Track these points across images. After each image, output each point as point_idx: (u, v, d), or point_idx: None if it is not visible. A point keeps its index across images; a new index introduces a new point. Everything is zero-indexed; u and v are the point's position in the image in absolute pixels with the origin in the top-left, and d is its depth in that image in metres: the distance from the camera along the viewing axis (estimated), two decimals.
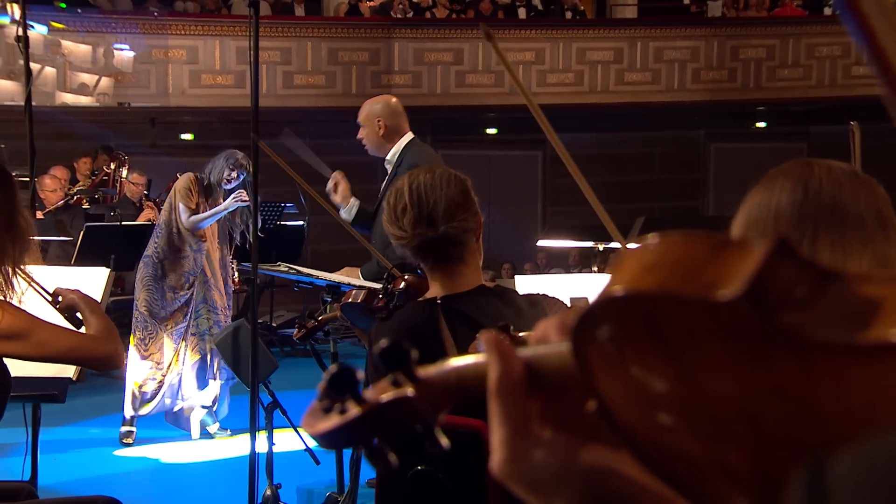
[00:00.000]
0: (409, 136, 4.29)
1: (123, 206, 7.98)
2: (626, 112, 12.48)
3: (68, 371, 2.87)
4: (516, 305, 2.17)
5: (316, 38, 11.69)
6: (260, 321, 7.04)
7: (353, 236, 3.32)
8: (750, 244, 0.48)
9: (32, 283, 2.32)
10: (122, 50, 11.05)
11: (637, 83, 12.62)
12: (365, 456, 0.70)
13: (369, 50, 11.86)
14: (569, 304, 2.54)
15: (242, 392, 3.89)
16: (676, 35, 12.76)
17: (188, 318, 5.41)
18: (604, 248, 4.94)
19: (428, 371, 0.67)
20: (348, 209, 4.21)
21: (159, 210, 6.28)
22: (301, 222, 9.00)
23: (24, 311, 2.22)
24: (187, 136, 11.58)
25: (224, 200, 5.38)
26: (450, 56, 12.07)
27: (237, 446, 5.33)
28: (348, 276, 3.83)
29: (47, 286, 2.39)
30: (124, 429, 5.50)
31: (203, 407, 5.54)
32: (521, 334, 1.01)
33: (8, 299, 2.19)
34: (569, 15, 13.09)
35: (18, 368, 2.39)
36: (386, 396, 0.67)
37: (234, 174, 5.37)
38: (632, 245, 0.55)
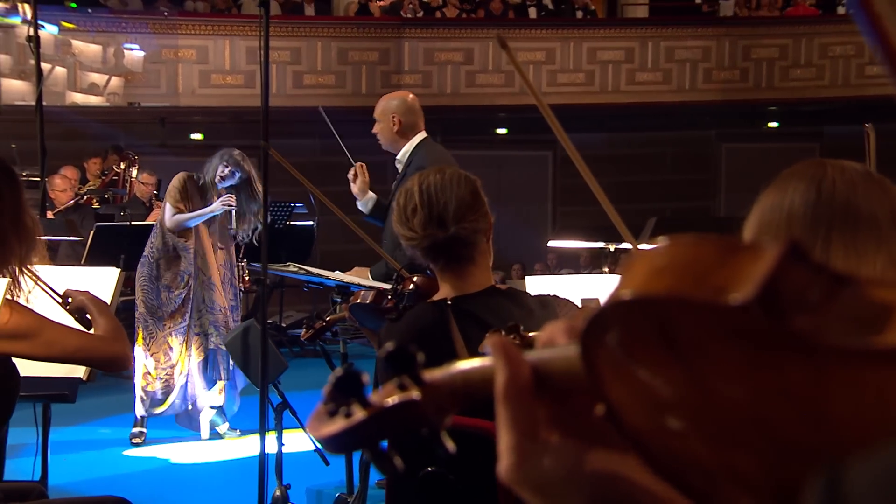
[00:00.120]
0: (422, 135, 4.26)
1: (133, 206, 8.00)
2: (636, 112, 12.44)
3: (79, 371, 2.87)
4: (527, 306, 2.16)
5: (326, 37, 11.70)
6: (269, 322, 7.04)
7: (362, 237, 3.31)
8: (761, 247, 0.47)
9: (40, 283, 2.32)
10: (132, 50, 11.08)
11: (648, 83, 12.58)
12: (370, 460, 0.70)
13: (379, 50, 11.86)
14: (579, 305, 2.52)
15: (252, 392, 3.88)
16: (688, 35, 12.71)
17: (187, 317, 5.40)
18: (615, 248, 4.91)
19: (434, 375, 0.67)
20: (365, 202, 4.23)
21: None
22: (311, 222, 9.01)
23: (32, 310, 2.22)
24: (197, 136, 11.61)
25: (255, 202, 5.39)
26: (460, 56, 12.06)
27: (247, 447, 5.33)
28: (358, 277, 3.82)
29: (57, 286, 2.39)
30: (135, 429, 5.51)
31: (212, 407, 5.54)
32: (530, 334, 0.99)
33: (15, 298, 2.19)
34: (579, 14, 13.06)
35: (29, 368, 2.39)
36: (391, 400, 0.67)
37: (226, 171, 5.34)
38: (642, 246, 0.53)
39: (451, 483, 1.92)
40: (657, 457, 0.52)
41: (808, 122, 12.95)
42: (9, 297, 2.18)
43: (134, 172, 8.49)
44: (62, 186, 7.58)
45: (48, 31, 9.84)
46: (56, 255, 6.62)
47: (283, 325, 9.01)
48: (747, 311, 0.45)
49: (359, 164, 4.28)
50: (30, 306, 2.24)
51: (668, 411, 0.50)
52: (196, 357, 5.42)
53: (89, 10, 10.99)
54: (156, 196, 8.19)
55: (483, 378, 0.63)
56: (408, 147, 4.22)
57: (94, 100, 11.05)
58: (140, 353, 5.31)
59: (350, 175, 4.24)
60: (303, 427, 3.81)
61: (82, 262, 5.84)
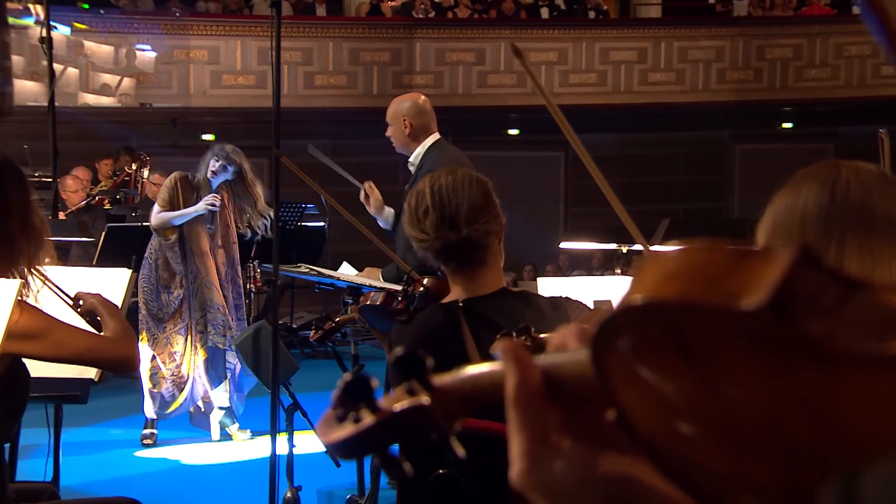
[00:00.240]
0: (435, 137, 4.22)
1: (145, 207, 8.00)
2: (649, 113, 12.40)
3: (90, 372, 2.87)
4: (539, 308, 2.15)
5: (337, 38, 11.70)
6: (280, 323, 7.04)
7: (370, 239, 3.30)
8: (773, 252, 0.47)
9: (48, 283, 2.32)
10: (143, 50, 11.11)
11: (661, 83, 12.54)
12: (380, 465, 0.69)
13: (391, 50, 11.85)
14: (592, 307, 2.50)
15: (263, 394, 3.88)
16: (701, 35, 12.65)
17: (186, 317, 5.39)
18: (627, 250, 4.88)
19: (443, 379, 0.66)
20: (385, 219, 4.21)
21: None
22: (322, 223, 9.01)
23: (42, 311, 2.22)
24: (208, 137, 11.61)
25: (257, 202, 5.39)
26: (472, 56, 12.04)
27: (258, 448, 5.33)
28: (369, 277, 3.81)
29: (69, 287, 2.40)
30: (146, 431, 5.52)
31: (221, 408, 5.54)
32: (542, 336, 0.98)
33: (24, 298, 2.19)
34: (592, 14, 13.02)
35: (41, 369, 2.40)
36: (400, 405, 0.66)
37: (217, 165, 5.33)
38: (654, 247, 0.52)
39: (463, 486, 1.91)
40: (669, 462, 0.52)
41: (823, 123, 12.87)
42: (19, 297, 2.18)
43: (145, 173, 8.51)
44: (74, 187, 7.60)
45: (60, 32, 9.88)
46: (68, 256, 6.64)
47: (294, 326, 9.01)
48: (759, 316, 0.44)
49: (367, 183, 4.24)
50: (39, 307, 2.24)
51: (680, 417, 0.50)
52: (201, 356, 5.42)
53: (101, 11, 11.02)
54: None
55: (493, 383, 0.63)
56: (420, 149, 4.19)
57: (105, 100, 11.08)
58: (146, 355, 5.30)
59: (362, 198, 4.22)
60: (314, 428, 3.80)
61: (94, 262, 5.86)
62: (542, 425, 0.59)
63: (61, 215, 6.37)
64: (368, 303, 2.94)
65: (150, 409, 5.45)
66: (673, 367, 0.49)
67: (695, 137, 12.97)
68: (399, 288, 2.88)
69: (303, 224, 8.77)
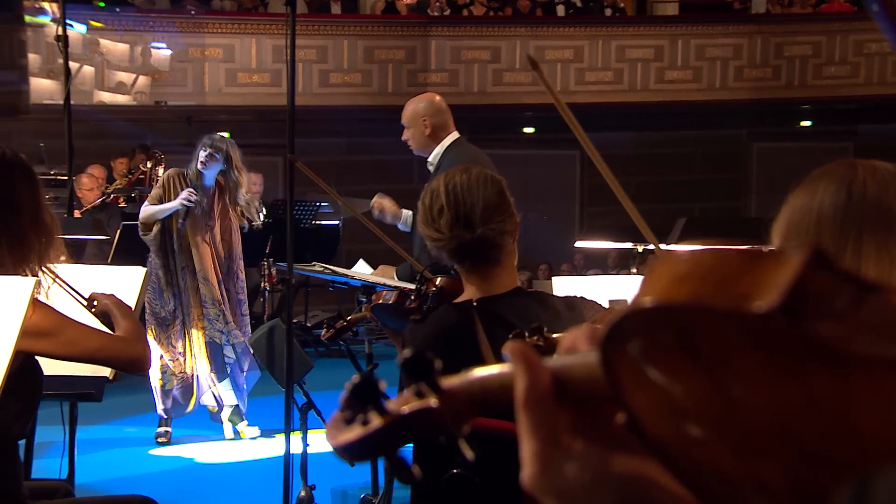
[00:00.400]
0: (454, 135, 4.17)
1: None
2: (666, 111, 12.33)
3: (105, 370, 2.87)
4: (553, 308, 2.13)
5: (352, 36, 11.70)
6: (295, 321, 7.03)
7: (383, 240, 3.29)
8: (785, 254, 0.47)
9: (62, 284, 2.32)
10: (159, 48, 11.15)
11: (678, 81, 12.47)
12: (388, 468, 0.69)
13: (406, 48, 11.84)
14: (607, 307, 2.48)
15: (277, 392, 3.87)
16: (719, 32, 12.57)
17: (179, 314, 5.38)
18: (643, 249, 4.85)
19: (452, 382, 0.66)
20: (403, 221, 4.18)
21: None
22: (336, 222, 9.01)
23: (54, 309, 2.23)
24: (223, 135, 11.65)
25: (238, 193, 5.36)
26: (487, 54, 12.01)
27: (272, 447, 5.33)
28: (383, 276, 3.80)
29: (83, 285, 2.41)
30: (160, 429, 5.53)
31: (229, 406, 5.54)
32: (554, 336, 0.97)
33: (35, 295, 2.19)
34: (608, 12, 12.96)
35: (56, 367, 2.41)
36: (409, 407, 0.66)
37: (204, 155, 5.32)
38: (669, 247, 0.51)
39: (476, 485, 1.90)
40: (679, 465, 0.52)
41: (842, 121, 12.76)
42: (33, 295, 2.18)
43: (160, 171, 8.52)
44: (89, 185, 7.63)
45: (76, 30, 9.92)
46: (83, 254, 6.66)
47: (309, 324, 9.01)
48: (771, 319, 0.44)
49: (375, 198, 4.23)
50: (51, 304, 2.25)
51: (691, 420, 0.50)
52: (200, 352, 5.40)
53: (117, 9, 11.06)
54: None
55: (502, 385, 0.62)
56: (438, 150, 4.13)
57: (121, 99, 11.12)
58: (155, 353, 5.30)
59: (375, 213, 4.19)
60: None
61: (108, 260, 5.88)
62: (552, 427, 0.58)
63: (76, 213, 6.38)
64: (381, 302, 2.92)
65: (159, 406, 5.46)
66: (683, 369, 0.49)
67: (712, 136, 12.90)
68: (412, 287, 2.87)
69: (317, 222, 8.78)
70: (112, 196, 7.73)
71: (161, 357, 5.36)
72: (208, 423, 5.66)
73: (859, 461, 0.44)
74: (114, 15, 11.04)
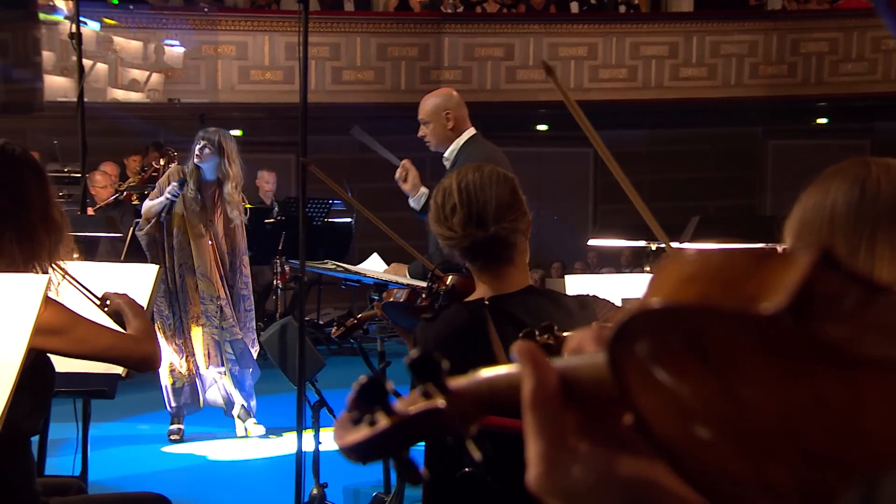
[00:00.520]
0: (471, 131, 4.12)
1: None
2: (680, 108, 12.26)
3: (117, 367, 2.87)
4: (566, 307, 2.12)
5: (365, 33, 11.68)
6: (307, 319, 7.03)
7: (396, 240, 3.28)
8: (793, 255, 0.47)
9: (70, 280, 2.33)
10: (172, 46, 11.18)
11: (692, 78, 12.40)
12: (395, 469, 0.69)
13: (419, 45, 11.82)
14: (620, 306, 2.46)
15: (289, 390, 3.87)
16: (734, 29, 12.49)
17: (177, 310, 5.36)
18: (656, 247, 4.82)
19: (459, 382, 0.66)
20: (417, 198, 4.09)
21: None
22: (349, 219, 9.01)
23: (65, 306, 2.23)
24: (236, 132, 11.65)
25: (236, 189, 5.34)
26: (500, 51, 11.98)
27: (284, 445, 5.33)
28: (395, 273, 3.79)
29: (96, 283, 2.43)
30: (173, 426, 5.53)
31: (239, 404, 5.54)
32: (565, 334, 0.97)
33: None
34: (622, 9, 12.91)
35: (69, 364, 2.41)
36: (416, 408, 0.66)
37: (197, 148, 5.31)
38: (678, 245, 0.50)
39: (489, 484, 1.89)
40: (687, 467, 0.52)
41: (859, 119, 12.65)
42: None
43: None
44: (102, 183, 7.65)
45: (90, 27, 9.94)
46: (96, 252, 6.68)
47: (321, 322, 9.02)
48: (778, 320, 0.44)
49: (406, 160, 4.14)
50: (61, 301, 2.25)
51: (698, 421, 0.50)
52: (200, 350, 5.39)
53: (130, 7, 11.09)
54: None
55: (509, 385, 0.62)
56: (455, 145, 4.08)
57: (134, 96, 11.16)
58: (165, 351, 5.30)
59: (398, 174, 4.11)
60: None
61: (121, 258, 5.88)
62: (558, 428, 0.58)
63: (90, 211, 6.40)
64: (392, 300, 2.92)
65: (172, 405, 5.47)
66: (691, 370, 0.49)
67: (727, 133, 12.83)
68: (424, 285, 2.86)
69: (329, 220, 8.78)
70: (125, 193, 7.74)
71: (172, 353, 5.37)
72: (221, 421, 5.66)
73: (867, 462, 0.44)
74: (127, 12, 11.07)
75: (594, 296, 2.26)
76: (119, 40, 11.03)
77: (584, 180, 12.90)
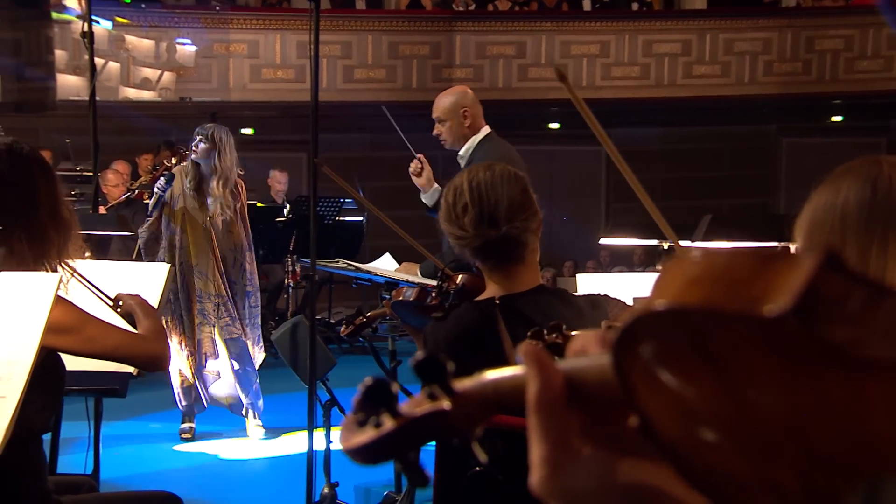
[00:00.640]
0: (486, 130, 4.10)
1: None
2: (693, 106, 12.21)
3: (128, 366, 2.88)
4: (577, 306, 2.11)
5: (377, 31, 11.68)
6: (318, 318, 7.03)
7: (406, 239, 3.27)
8: (797, 257, 0.47)
9: (82, 280, 2.33)
10: (184, 44, 11.21)
11: (706, 76, 12.34)
12: (401, 470, 0.69)
13: (430, 43, 11.80)
14: (631, 305, 2.45)
15: (300, 389, 3.87)
16: (748, 26, 12.42)
17: (181, 306, 5.36)
18: (668, 246, 4.80)
19: (464, 384, 0.66)
20: (430, 193, 4.07)
21: None
22: (360, 218, 9.01)
23: (76, 305, 2.24)
24: (248, 131, 11.69)
25: (221, 182, 5.32)
26: (512, 49, 11.95)
27: (295, 444, 5.33)
28: (407, 272, 3.78)
29: (108, 281, 2.44)
30: (184, 425, 5.54)
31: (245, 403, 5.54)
32: (573, 333, 0.97)
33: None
34: (635, 6, 12.86)
35: (80, 363, 2.42)
36: (421, 410, 0.67)
37: (193, 145, 5.33)
38: (689, 244, 0.49)
39: (500, 483, 1.89)
40: (692, 469, 0.52)
41: (875, 116, 12.57)
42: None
43: None
44: (115, 181, 7.67)
45: (102, 26, 9.97)
46: (108, 251, 6.69)
47: (332, 321, 9.02)
48: (783, 322, 0.44)
49: (420, 155, 4.12)
50: (70, 300, 2.25)
51: (704, 424, 0.50)
52: (197, 349, 5.39)
53: (142, 6, 11.13)
54: None
55: (514, 387, 0.62)
56: (470, 143, 4.06)
57: (146, 95, 11.19)
58: (175, 351, 5.29)
59: (413, 168, 4.09)
60: None
61: (133, 257, 5.89)
62: (563, 431, 0.58)
63: (102, 209, 6.42)
64: (401, 298, 2.91)
65: (182, 404, 5.47)
66: (696, 373, 0.49)
67: (740, 131, 12.77)
68: (435, 284, 2.85)
69: (341, 219, 8.78)
70: (137, 192, 7.75)
71: (182, 353, 5.37)
72: (232, 420, 5.67)
73: (873, 464, 0.44)
74: (139, 11, 11.11)
75: (605, 295, 2.25)
76: (131, 39, 11.06)
77: (595, 178, 12.87)
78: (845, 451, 0.45)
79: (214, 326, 5.35)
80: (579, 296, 2.26)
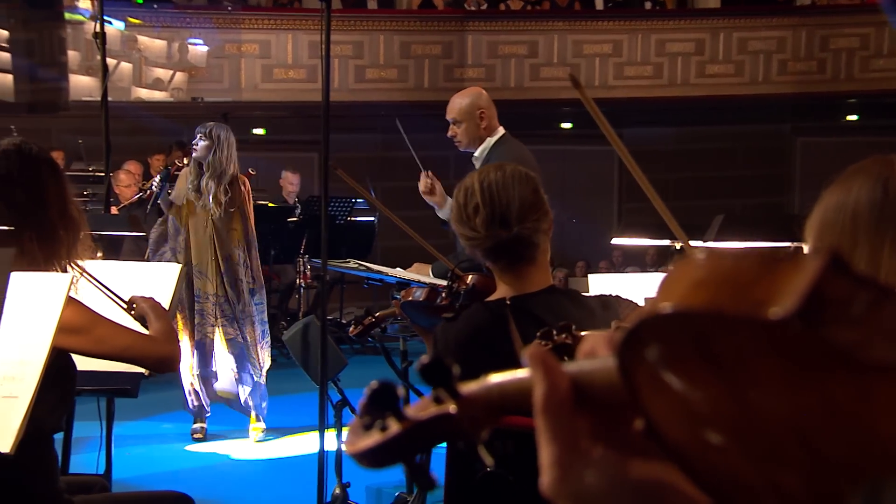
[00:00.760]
0: (501, 131, 4.09)
1: None
2: (707, 106, 12.16)
3: (138, 367, 2.88)
4: (588, 307, 2.10)
5: (388, 31, 11.67)
6: (329, 318, 7.04)
7: (418, 241, 3.26)
8: (802, 259, 0.47)
9: (97, 284, 2.34)
10: (196, 45, 11.24)
11: (719, 76, 12.28)
12: (406, 473, 0.70)
13: (442, 43, 11.79)
14: (641, 306, 2.43)
15: (312, 390, 3.87)
16: (762, 25, 12.35)
17: (184, 306, 5.34)
18: (680, 246, 4.76)
19: (470, 387, 0.66)
20: (447, 209, 4.07)
21: None
22: (372, 218, 9.01)
23: (86, 306, 2.24)
24: (259, 131, 11.71)
25: (212, 179, 5.31)
26: (524, 49, 11.92)
27: (306, 444, 5.33)
28: (418, 273, 3.77)
29: (120, 282, 2.44)
30: (196, 425, 5.55)
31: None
32: (583, 334, 0.97)
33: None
34: (648, 5, 12.82)
35: (92, 363, 2.43)
36: (427, 414, 0.67)
37: (194, 142, 5.33)
38: (699, 244, 0.49)
39: (511, 484, 1.88)
40: (698, 471, 0.52)
41: (891, 115, 12.45)
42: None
43: None
44: (127, 182, 7.69)
45: (114, 27, 10.01)
46: (120, 251, 6.71)
47: (344, 321, 9.02)
48: (787, 325, 0.44)
49: (429, 172, 4.09)
50: (81, 301, 2.26)
51: (709, 426, 0.50)
52: (193, 349, 5.38)
53: (155, 6, 11.17)
54: None
55: (520, 390, 0.62)
56: (486, 145, 4.05)
57: (158, 95, 11.23)
58: (185, 352, 5.29)
59: (423, 188, 4.07)
60: None
61: (145, 257, 5.90)
62: (571, 433, 0.59)
63: (114, 210, 6.43)
64: (411, 299, 2.90)
65: (193, 404, 5.47)
66: (701, 375, 0.49)
67: (754, 131, 12.70)
68: (445, 284, 2.84)
69: (352, 219, 8.77)
70: (148, 192, 7.78)
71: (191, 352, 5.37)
72: (244, 420, 5.67)
73: (878, 466, 0.44)
74: (151, 11, 11.14)
75: (617, 295, 2.24)
76: (143, 39, 11.10)
77: (608, 178, 12.83)
78: (850, 453, 0.45)
79: (214, 326, 5.35)
80: (590, 296, 2.25)
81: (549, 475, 0.59)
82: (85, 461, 3.82)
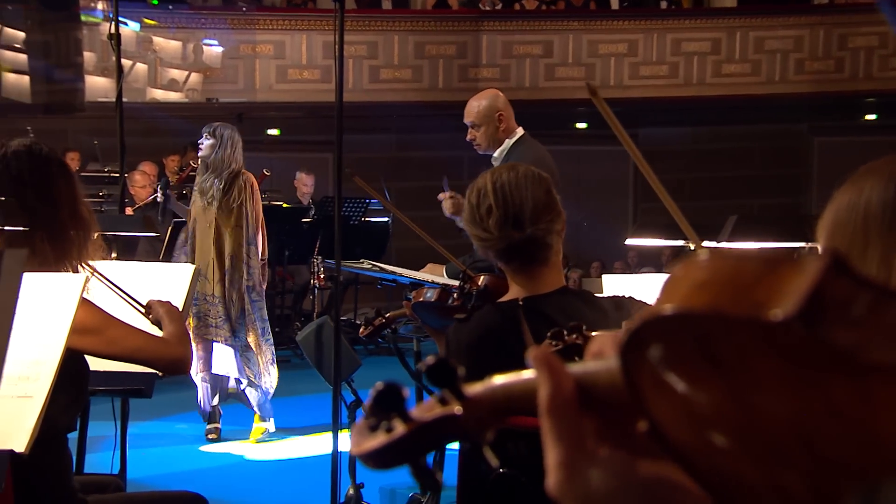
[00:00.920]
0: (520, 131, 4.08)
1: None
2: (723, 105, 12.10)
3: (150, 369, 2.88)
4: (600, 308, 2.09)
5: (403, 31, 11.68)
6: (343, 319, 7.03)
7: (431, 243, 3.25)
8: (804, 261, 0.47)
9: (114, 288, 2.35)
10: (210, 45, 11.28)
11: (735, 75, 12.22)
12: (412, 475, 0.70)
13: (457, 43, 11.79)
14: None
15: (325, 390, 3.88)
16: (779, 24, 12.27)
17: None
18: (695, 247, 4.73)
19: (475, 389, 0.67)
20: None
21: None
22: (386, 219, 9.01)
23: (98, 307, 2.25)
24: (274, 132, 11.73)
25: (214, 176, 5.29)
26: (539, 49, 11.90)
27: (320, 445, 5.33)
28: (432, 273, 3.77)
29: (134, 282, 2.46)
30: (210, 425, 5.55)
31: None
32: (593, 334, 0.98)
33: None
34: (664, 5, 12.78)
35: (106, 363, 2.43)
36: (432, 415, 0.67)
37: (199, 141, 5.33)
38: (712, 245, 0.48)
39: (523, 485, 1.87)
40: (701, 472, 0.52)
41: None
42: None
43: None
44: (142, 182, 7.73)
45: (130, 28, 10.06)
46: (135, 251, 6.73)
47: (358, 322, 9.02)
48: (788, 326, 0.44)
49: (452, 193, 4.05)
50: (93, 301, 2.26)
51: (712, 428, 0.50)
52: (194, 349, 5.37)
53: (170, 7, 11.23)
54: None
55: (525, 392, 0.62)
56: (505, 146, 4.03)
57: (173, 96, 11.28)
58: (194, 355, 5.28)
59: (450, 210, 4.03)
60: None
61: (160, 257, 5.93)
62: (576, 434, 0.59)
63: (129, 211, 6.46)
64: (422, 299, 2.90)
65: (206, 404, 5.48)
66: (703, 377, 0.49)
67: (771, 131, 12.63)
68: (456, 284, 2.84)
69: (367, 219, 8.78)
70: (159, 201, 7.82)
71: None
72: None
73: (879, 468, 0.44)
74: (166, 12, 11.20)
75: (630, 297, 2.23)
76: (158, 40, 11.15)
77: (623, 178, 12.79)
78: (851, 454, 0.45)
79: (212, 327, 5.35)
80: (603, 297, 2.24)
81: (555, 476, 0.59)
82: (100, 461, 3.83)
